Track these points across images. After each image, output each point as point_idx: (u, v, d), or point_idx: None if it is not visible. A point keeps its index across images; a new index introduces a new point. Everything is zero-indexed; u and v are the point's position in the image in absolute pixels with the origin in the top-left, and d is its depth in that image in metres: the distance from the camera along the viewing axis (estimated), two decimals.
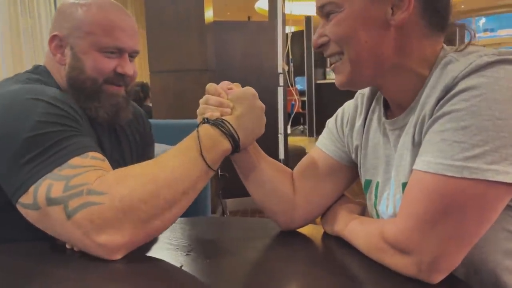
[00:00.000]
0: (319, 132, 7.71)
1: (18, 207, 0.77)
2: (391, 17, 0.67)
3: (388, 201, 0.77)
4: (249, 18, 9.28)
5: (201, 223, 1.06)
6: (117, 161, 1.05)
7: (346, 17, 0.69)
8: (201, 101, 0.83)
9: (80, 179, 0.74)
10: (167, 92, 2.93)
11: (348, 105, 0.93)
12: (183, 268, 0.72)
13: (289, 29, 3.21)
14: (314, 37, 0.76)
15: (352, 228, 0.78)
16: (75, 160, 0.77)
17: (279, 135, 2.54)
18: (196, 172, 0.76)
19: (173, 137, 1.54)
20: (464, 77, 0.60)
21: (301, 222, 0.90)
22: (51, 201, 0.73)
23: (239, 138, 0.80)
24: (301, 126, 8.30)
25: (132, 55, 1.01)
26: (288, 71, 2.62)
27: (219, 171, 3.24)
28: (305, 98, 7.49)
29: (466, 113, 0.58)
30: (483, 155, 0.57)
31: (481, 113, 0.57)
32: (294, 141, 7.41)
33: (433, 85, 0.66)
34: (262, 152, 0.90)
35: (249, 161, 0.87)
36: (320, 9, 0.73)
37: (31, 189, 0.75)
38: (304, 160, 0.94)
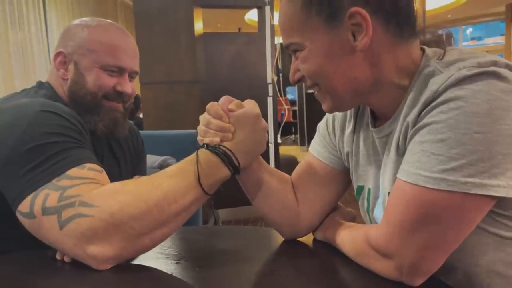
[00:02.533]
0: (310, 141, 7.75)
1: (17, 215, 0.79)
2: (354, 44, 0.67)
3: (378, 207, 0.79)
4: (239, 29, 9.34)
5: (192, 232, 1.07)
6: (114, 175, 1.06)
7: (310, 54, 0.70)
8: (201, 120, 0.80)
9: (75, 190, 0.75)
10: (158, 104, 2.94)
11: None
12: (173, 275, 0.73)
13: (278, 40, 3.24)
14: (290, 73, 0.76)
15: (341, 234, 0.79)
16: (73, 171, 0.78)
17: (270, 145, 2.55)
18: (191, 196, 0.76)
19: (164, 148, 1.56)
20: (444, 90, 0.61)
21: (305, 231, 0.89)
22: (45, 211, 0.75)
23: (239, 163, 0.78)
24: (293, 136, 8.33)
25: (132, 75, 1.07)
26: (278, 81, 2.65)
27: None
28: (296, 108, 7.54)
29: (444, 125, 0.59)
30: (460, 168, 0.57)
31: (459, 126, 0.58)
32: (286, 150, 7.43)
33: (415, 96, 0.67)
34: (264, 163, 0.89)
35: (251, 177, 0.86)
36: (287, 48, 0.74)
37: (29, 198, 0.76)
38: (301, 167, 0.93)
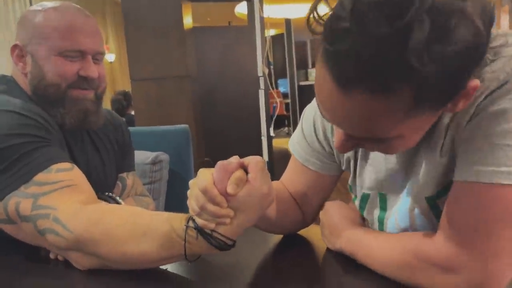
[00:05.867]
0: None
1: None
2: (445, 109, 0.56)
3: (398, 215, 0.72)
4: (229, 23, 9.29)
5: None
6: (96, 168, 1.05)
7: (405, 140, 0.57)
8: (193, 198, 0.65)
9: (47, 200, 0.75)
10: (149, 99, 2.93)
11: None
12: (168, 270, 0.73)
13: (268, 33, 3.23)
14: (339, 144, 0.60)
15: (366, 243, 0.69)
16: (40, 177, 0.77)
17: (262, 138, 2.56)
18: (170, 260, 0.71)
19: (156, 144, 1.55)
20: (509, 78, 0.55)
21: (309, 223, 0.90)
22: (22, 218, 0.76)
23: (234, 243, 0.67)
24: (286, 128, 8.34)
25: (97, 57, 0.97)
26: (269, 74, 2.64)
27: None
28: (289, 100, 7.54)
29: None
30: None
31: None
32: (279, 143, 7.44)
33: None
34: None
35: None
36: (357, 136, 0.58)
37: (1, 205, 0.77)
38: (295, 178, 0.87)
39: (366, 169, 0.77)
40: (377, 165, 0.74)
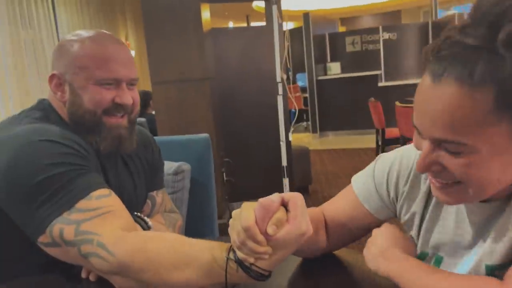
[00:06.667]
0: (322, 128, 7.63)
1: (40, 245, 0.83)
2: None
3: None
4: (247, 17, 9.28)
5: None
6: (128, 191, 1.08)
7: (485, 161, 0.57)
8: (234, 233, 0.67)
9: (89, 226, 0.80)
10: (169, 103, 2.97)
11: (409, 157, 0.80)
12: None
13: (286, 26, 3.20)
14: (420, 160, 0.62)
15: (432, 283, 0.66)
16: (81, 204, 0.82)
17: (281, 143, 2.57)
18: (210, 287, 0.74)
19: (177, 153, 1.59)
20: None
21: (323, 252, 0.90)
22: (66, 243, 0.80)
23: (270, 273, 0.70)
24: (305, 123, 8.32)
25: (131, 83, 1.02)
26: (287, 79, 2.65)
27: (224, 175, 3.29)
28: (307, 95, 7.51)
29: None
30: None
31: None
32: (297, 138, 7.44)
33: None
34: None
35: None
36: (438, 143, 0.60)
37: (47, 231, 0.81)
38: (341, 207, 0.88)
39: (430, 231, 0.77)
40: (446, 227, 0.74)
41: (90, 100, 0.96)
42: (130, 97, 1.00)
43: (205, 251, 0.72)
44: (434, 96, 0.57)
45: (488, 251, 0.67)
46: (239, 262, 0.68)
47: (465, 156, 0.58)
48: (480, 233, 0.69)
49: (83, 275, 0.87)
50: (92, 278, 0.86)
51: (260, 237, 0.64)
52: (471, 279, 0.63)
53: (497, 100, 0.53)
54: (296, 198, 0.67)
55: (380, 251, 0.74)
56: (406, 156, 0.80)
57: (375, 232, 0.79)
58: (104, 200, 0.84)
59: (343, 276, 0.85)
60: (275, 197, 0.67)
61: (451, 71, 0.55)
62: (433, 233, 0.77)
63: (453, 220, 0.73)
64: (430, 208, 0.77)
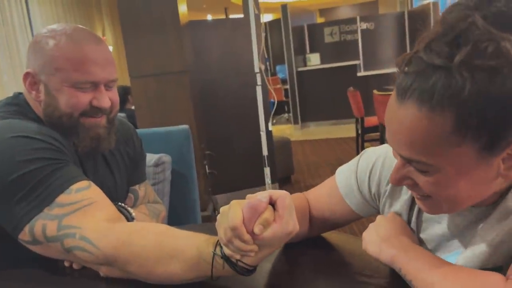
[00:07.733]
0: (303, 119, 7.67)
1: (21, 242, 0.83)
2: (501, 171, 0.58)
3: None
4: (225, 9, 9.20)
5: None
6: (108, 187, 1.07)
7: (448, 179, 0.58)
8: (222, 228, 0.67)
9: (71, 220, 0.80)
10: (149, 96, 2.96)
11: (392, 157, 0.74)
12: None
13: (263, 18, 3.22)
14: (394, 177, 0.64)
15: (423, 267, 0.65)
16: (61, 198, 0.81)
17: (261, 133, 2.59)
18: (195, 279, 0.75)
19: (157, 145, 1.59)
20: None
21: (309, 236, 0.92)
22: (48, 239, 0.80)
23: (255, 268, 0.72)
24: (286, 114, 8.36)
25: (109, 84, 0.98)
26: (267, 60, 2.66)
27: (207, 168, 3.29)
28: (288, 86, 7.55)
29: None
30: None
31: None
32: (279, 129, 7.48)
33: None
34: None
35: None
36: (408, 161, 0.61)
37: (27, 228, 0.81)
38: (324, 200, 0.90)
39: (420, 232, 0.77)
40: (430, 229, 0.75)
41: (66, 103, 0.93)
42: (108, 99, 0.96)
43: (191, 245, 0.73)
44: (397, 116, 0.58)
45: (469, 255, 0.66)
46: (226, 258, 0.69)
47: (432, 175, 0.58)
48: (462, 238, 0.70)
49: (66, 263, 0.88)
50: (75, 266, 0.87)
51: (247, 237, 0.65)
52: (477, 273, 0.62)
53: (457, 122, 0.53)
54: (283, 197, 0.68)
55: (385, 237, 0.72)
56: (390, 156, 0.79)
57: (380, 217, 0.79)
58: (84, 193, 0.84)
59: (325, 258, 0.87)
60: (263, 196, 0.67)
61: (413, 93, 0.55)
62: (419, 234, 0.77)
63: (437, 223, 0.74)
64: (413, 212, 0.77)
